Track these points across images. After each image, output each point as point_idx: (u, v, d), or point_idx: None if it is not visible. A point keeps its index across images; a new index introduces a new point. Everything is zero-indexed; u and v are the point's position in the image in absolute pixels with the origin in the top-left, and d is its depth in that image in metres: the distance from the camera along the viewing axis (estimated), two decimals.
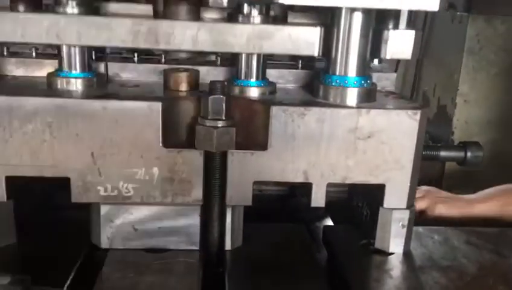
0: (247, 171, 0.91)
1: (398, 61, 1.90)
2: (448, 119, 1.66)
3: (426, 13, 1.81)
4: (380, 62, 1.11)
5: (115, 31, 0.88)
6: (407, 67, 1.98)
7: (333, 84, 0.93)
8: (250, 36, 0.90)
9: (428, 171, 1.62)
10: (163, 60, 1.06)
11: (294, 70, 1.07)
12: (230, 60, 1.05)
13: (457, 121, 1.63)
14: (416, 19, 1.76)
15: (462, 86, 1.61)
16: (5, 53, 1.06)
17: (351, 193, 1.17)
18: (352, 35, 0.90)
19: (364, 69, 0.93)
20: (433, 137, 1.65)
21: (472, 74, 1.60)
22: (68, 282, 0.85)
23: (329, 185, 0.93)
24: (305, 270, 0.94)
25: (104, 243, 0.95)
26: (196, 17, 0.94)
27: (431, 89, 1.81)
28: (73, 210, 0.96)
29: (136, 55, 1.06)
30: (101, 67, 1.01)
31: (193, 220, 0.95)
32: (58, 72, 0.94)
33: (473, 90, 1.60)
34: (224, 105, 0.88)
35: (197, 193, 0.91)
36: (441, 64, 1.74)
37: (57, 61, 0.95)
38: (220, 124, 0.87)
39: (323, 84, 0.94)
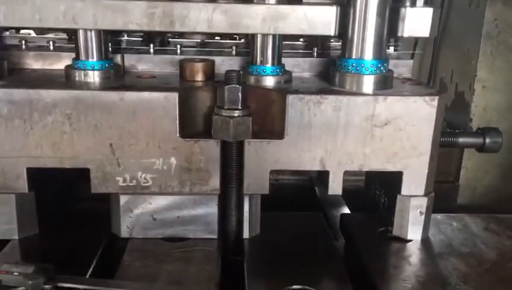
0: (264, 160, 0.91)
1: (414, 47, 1.89)
2: (467, 106, 1.63)
3: None
4: (397, 41, 1.10)
5: (131, 13, 0.88)
6: (424, 53, 1.95)
7: (349, 68, 0.92)
8: (266, 17, 0.89)
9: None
10: (178, 51, 1.07)
11: (309, 58, 1.07)
12: (246, 44, 1.04)
13: (476, 107, 1.60)
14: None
15: (480, 71, 1.57)
16: (24, 47, 1.07)
17: (368, 181, 1.16)
18: (368, 14, 0.89)
19: (381, 51, 0.92)
20: (451, 124, 1.63)
21: (490, 59, 1.56)
22: (90, 270, 0.86)
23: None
24: (323, 257, 0.94)
25: (124, 233, 0.96)
26: None
27: (448, 76, 1.79)
28: (95, 201, 0.97)
29: (151, 46, 1.07)
30: (118, 59, 1.02)
31: (211, 209, 0.96)
32: (75, 64, 0.95)
33: (491, 76, 1.57)
34: (240, 94, 0.88)
35: (215, 182, 0.92)
36: (458, 49, 1.71)
37: (74, 54, 0.96)
38: (236, 113, 0.88)
39: (339, 71, 0.94)
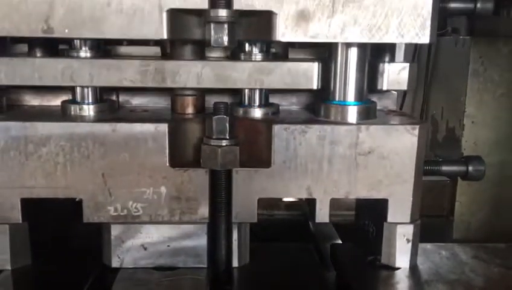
0: (251, 188, 0.94)
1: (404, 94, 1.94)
2: (457, 141, 1.66)
3: None
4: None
5: (125, 71, 0.93)
6: (416, 92, 2.00)
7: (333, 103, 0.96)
8: (252, 72, 0.94)
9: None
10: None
11: (297, 92, 1.11)
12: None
13: (466, 142, 1.63)
14: (420, 50, 1.81)
15: (469, 107, 1.62)
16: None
17: (357, 212, 1.18)
18: (349, 69, 0.95)
19: (362, 96, 0.97)
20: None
21: (478, 95, 1.61)
22: None
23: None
24: (312, 287, 0.95)
25: (115, 263, 0.98)
26: (201, 56, 1.00)
27: (439, 113, 1.83)
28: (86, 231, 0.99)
29: None
30: (113, 94, 1.06)
31: (201, 239, 0.98)
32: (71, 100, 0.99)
33: (479, 112, 1.61)
34: (227, 125, 0.91)
35: (204, 210, 0.94)
36: (447, 87, 1.76)
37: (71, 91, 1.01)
38: (224, 143, 0.91)
39: (324, 103, 0.98)
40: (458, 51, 1.67)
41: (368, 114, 0.97)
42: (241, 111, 1.00)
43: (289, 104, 1.10)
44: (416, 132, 0.93)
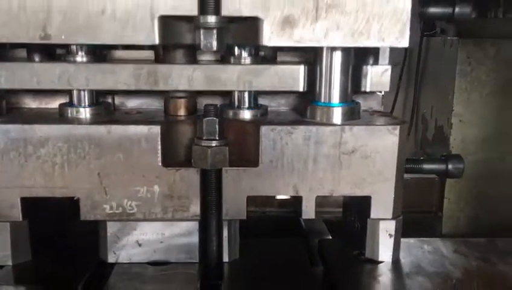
0: (240, 187, 0.98)
1: (397, 89, 1.98)
2: (446, 139, 1.71)
3: (421, 38, 1.89)
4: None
5: (119, 75, 0.97)
6: (407, 92, 2.05)
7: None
8: (241, 74, 0.99)
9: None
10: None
11: (286, 94, 1.15)
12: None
13: (454, 140, 1.68)
14: (411, 51, 1.85)
15: (457, 106, 1.67)
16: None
17: (344, 209, 1.23)
18: (333, 72, 0.99)
19: (346, 98, 1.01)
20: (433, 157, 1.70)
21: (465, 94, 1.66)
22: None
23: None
24: (300, 281, 1.00)
25: (111, 258, 1.02)
26: (192, 60, 1.04)
27: (428, 111, 1.88)
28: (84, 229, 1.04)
29: None
30: (108, 97, 1.11)
31: (193, 235, 1.02)
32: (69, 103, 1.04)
33: (467, 110, 1.66)
34: (217, 126, 0.96)
35: (195, 208, 0.99)
36: (436, 87, 1.81)
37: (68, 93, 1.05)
38: (214, 143, 0.95)
39: (310, 104, 1.02)
40: (446, 51, 1.72)
41: (352, 115, 1.01)
42: (230, 113, 1.04)
43: (277, 106, 1.14)
44: (397, 132, 0.97)
